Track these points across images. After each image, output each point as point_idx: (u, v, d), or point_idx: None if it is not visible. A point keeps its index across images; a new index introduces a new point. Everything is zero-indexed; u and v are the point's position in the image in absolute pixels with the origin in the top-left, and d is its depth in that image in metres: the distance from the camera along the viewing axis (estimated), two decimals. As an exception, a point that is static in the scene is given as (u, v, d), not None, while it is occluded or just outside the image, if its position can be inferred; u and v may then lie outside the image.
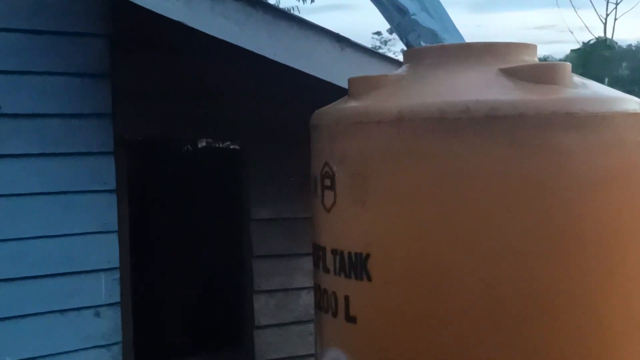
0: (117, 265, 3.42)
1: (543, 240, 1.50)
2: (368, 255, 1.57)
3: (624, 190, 1.60)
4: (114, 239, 3.41)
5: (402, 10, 2.42)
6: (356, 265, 1.59)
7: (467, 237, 1.50)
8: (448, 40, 2.41)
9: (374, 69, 2.87)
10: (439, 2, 2.60)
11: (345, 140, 1.64)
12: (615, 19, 30.92)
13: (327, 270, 1.68)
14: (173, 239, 6.26)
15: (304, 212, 4.10)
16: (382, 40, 30.37)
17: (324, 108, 1.79)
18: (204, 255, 6.23)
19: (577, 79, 1.70)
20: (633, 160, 1.63)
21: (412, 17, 2.39)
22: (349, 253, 1.60)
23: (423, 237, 1.52)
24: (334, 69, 2.81)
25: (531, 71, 1.61)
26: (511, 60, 1.70)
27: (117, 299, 3.42)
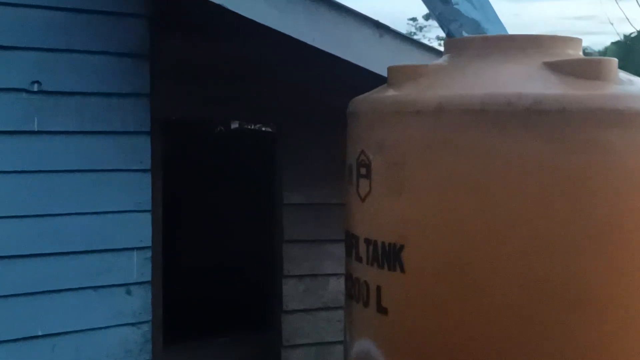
0: (150, 244, 3.46)
1: (583, 236, 1.48)
2: (402, 246, 1.55)
3: (667, 189, 1.57)
4: (147, 218, 3.45)
5: (445, 0, 2.38)
6: (390, 256, 1.58)
7: (505, 230, 1.48)
8: (490, 30, 2.37)
9: (412, 57, 2.84)
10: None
11: (383, 129, 1.62)
12: (659, 12, 30.05)
13: (359, 260, 1.67)
14: (204, 220, 6.31)
15: (336, 198, 4.11)
16: (418, 26, 30.11)
17: (362, 96, 1.78)
18: (234, 237, 6.27)
19: (623, 75, 1.66)
20: (678, 160, 1.59)
21: (455, 6, 2.36)
22: (383, 243, 1.59)
23: (460, 230, 1.50)
24: (372, 56, 2.79)
25: (576, 66, 1.58)
26: (555, 54, 1.67)
27: (149, 277, 3.46)
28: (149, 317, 3.48)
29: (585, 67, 1.57)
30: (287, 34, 2.75)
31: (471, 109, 1.51)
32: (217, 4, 2.66)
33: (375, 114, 1.67)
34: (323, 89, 3.70)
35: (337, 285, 4.22)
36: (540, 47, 1.69)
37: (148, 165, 3.43)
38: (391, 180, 1.58)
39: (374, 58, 2.78)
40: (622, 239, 1.51)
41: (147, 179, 3.44)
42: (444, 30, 2.41)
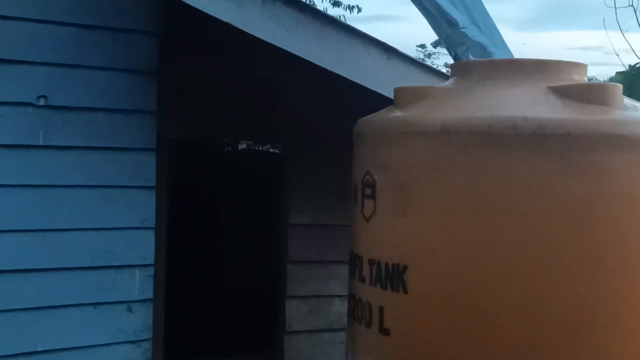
0: (152, 262, 3.45)
1: (587, 260, 1.47)
2: (405, 267, 1.55)
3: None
4: (150, 235, 3.44)
5: (452, 23, 2.40)
6: (393, 277, 1.57)
7: (509, 253, 1.48)
8: (497, 54, 2.38)
9: (419, 80, 2.85)
10: (489, 15, 2.58)
11: (388, 149, 1.63)
12: (665, 43, 30.38)
13: (362, 280, 1.67)
14: (209, 238, 6.30)
15: (343, 219, 4.10)
16: (426, 53, 30.34)
17: (368, 117, 1.78)
18: (239, 256, 6.26)
19: (628, 101, 1.66)
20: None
21: (462, 30, 2.37)
22: (386, 264, 1.59)
23: (463, 251, 1.50)
24: (379, 78, 2.80)
25: (581, 90, 1.58)
26: (560, 79, 1.67)
27: (150, 295, 3.45)
28: (150, 335, 3.46)
29: (590, 92, 1.57)
30: (295, 53, 2.77)
31: (477, 130, 1.51)
32: (226, 22, 2.68)
33: (381, 135, 1.67)
34: (331, 111, 3.71)
35: (341, 307, 4.20)
36: (545, 72, 1.70)
37: (153, 183, 3.44)
38: (396, 201, 1.58)
39: (381, 80, 2.79)
40: (625, 264, 1.50)
41: (151, 196, 3.44)
42: (450, 54, 2.42)
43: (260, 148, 7.33)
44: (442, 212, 1.52)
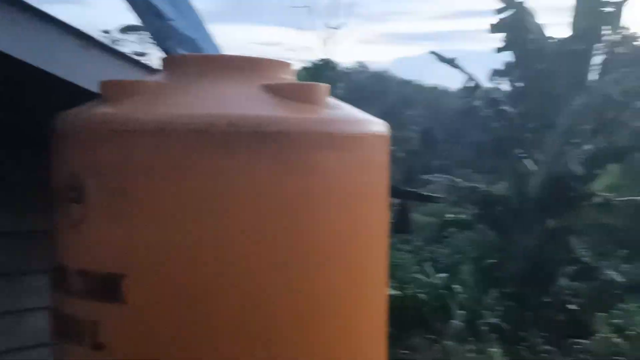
0: None
1: (303, 255, 1.51)
2: (122, 276, 1.45)
3: (372, 206, 1.67)
4: None
5: (160, 16, 2.30)
6: (108, 287, 1.46)
7: (229, 254, 1.46)
8: (206, 50, 2.35)
9: (123, 73, 2.69)
10: (192, 8, 2.52)
11: (98, 149, 1.50)
12: (334, 43, 34.09)
13: (70, 293, 1.52)
14: None
15: (36, 225, 3.71)
16: (112, 39, 29.12)
17: (71, 111, 1.62)
18: None
19: (331, 100, 1.75)
20: (380, 179, 1.71)
21: (170, 23, 2.29)
22: (100, 274, 1.47)
23: (184, 256, 1.45)
24: (78, 69, 2.58)
25: (293, 90, 1.63)
26: (272, 77, 1.71)
27: None
28: None
29: (302, 92, 1.63)
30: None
31: (195, 129, 1.47)
32: None
33: (89, 133, 1.53)
34: (29, 105, 3.34)
35: (35, 322, 3.82)
36: (258, 70, 1.72)
37: None
38: (110, 206, 1.47)
39: (80, 71, 2.56)
40: (337, 254, 1.57)
41: None
42: (160, 47, 2.32)
43: None
44: (162, 216, 1.45)
